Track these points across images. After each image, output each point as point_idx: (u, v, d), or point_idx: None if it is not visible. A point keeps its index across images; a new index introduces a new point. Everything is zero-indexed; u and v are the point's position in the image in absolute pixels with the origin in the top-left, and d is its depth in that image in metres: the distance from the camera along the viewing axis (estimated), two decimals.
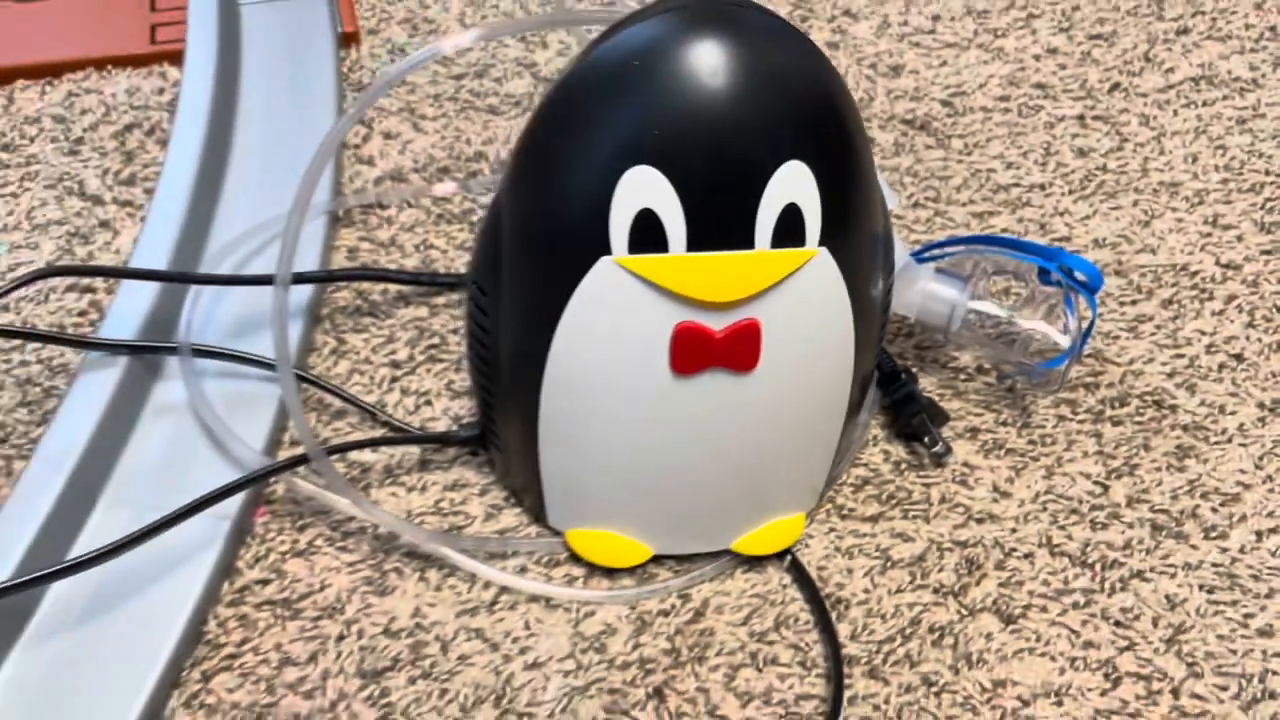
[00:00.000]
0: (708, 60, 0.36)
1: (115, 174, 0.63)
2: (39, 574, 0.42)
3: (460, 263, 0.60)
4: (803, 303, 0.40)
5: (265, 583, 0.46)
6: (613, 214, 0.38)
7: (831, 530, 0.50)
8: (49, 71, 0.68)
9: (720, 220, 0.38)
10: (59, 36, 0.70)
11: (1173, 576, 0.48)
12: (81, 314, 0.55)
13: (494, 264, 0.42)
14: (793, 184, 0.38)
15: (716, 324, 0.39)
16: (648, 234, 0.38)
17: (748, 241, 0.38)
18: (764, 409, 0.42)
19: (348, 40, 0.73)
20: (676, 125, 0.37)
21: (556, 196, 0.39)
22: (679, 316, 0.39)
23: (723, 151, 0.37)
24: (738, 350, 0.40)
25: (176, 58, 0.69)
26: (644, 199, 0.37)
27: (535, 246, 0.40)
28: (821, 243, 0.39)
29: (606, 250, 0.38)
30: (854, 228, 0.40)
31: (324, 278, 0.56)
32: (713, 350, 0.40)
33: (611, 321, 0.40)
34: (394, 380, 0.54)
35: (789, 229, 0.38)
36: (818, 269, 0.39)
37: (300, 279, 0.54)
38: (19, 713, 0.41)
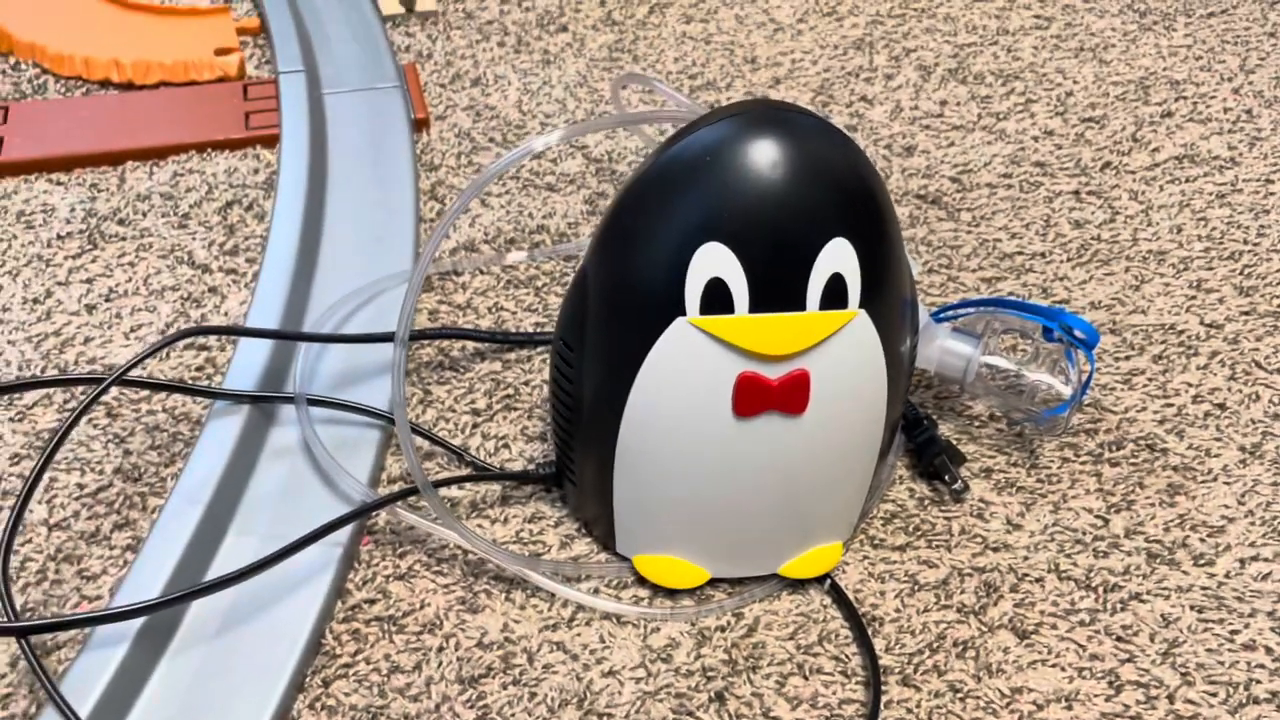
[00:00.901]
0: (767, 156, 0.44)
1: (220, 245, 0.71)
2: (184, 592, 0.49)
3: (528, 323, 0.67)
4: (845, 355, 0.47)
5: (372, 602, 0.53)
6: (688, 282, 0.45)
7: (865, 558, 0.56)
8: (155, 154, 0.76)
9: (777, 287, 0.45)
10: (163, 122, 0.78)
11: (1167, 598, 0.54)
12: (199, 369, 0.63)
13: (579, 323, 0.49)
14: (837, 256, 0.45)
15: (772, 374, 0.47)
16: (716, 298, 0.45)
17: (800, 304, 0.45)
18: (811, 447, 0.49)
19: (419, 125, 0.81)
20: (742, 209, 0.44)
21: (639, 267, 0.46)
22: (741, 367, 0.46)
23: (780, 231, 0.44)
24: (790, 396, 0.47)
25: (269, 141, 0.77)
26: (714, 269, 0.45)
27: (619, 309, 0.48)
28: (861, 305, 0.46)
29: (681, 312, 0.46)
30: (887, 292, 0.47)
31: (430, 335, 0.64)
32: (769, 396, 0.47)
33: (683, 372, 0.47)
34: (475, 426, 0.61)
35: (834, 294, 0.46)
36: (858, 327, 0.47)
37: (416, 336, 0.62)
38: (170, 713, 0.47)
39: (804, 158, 0.44)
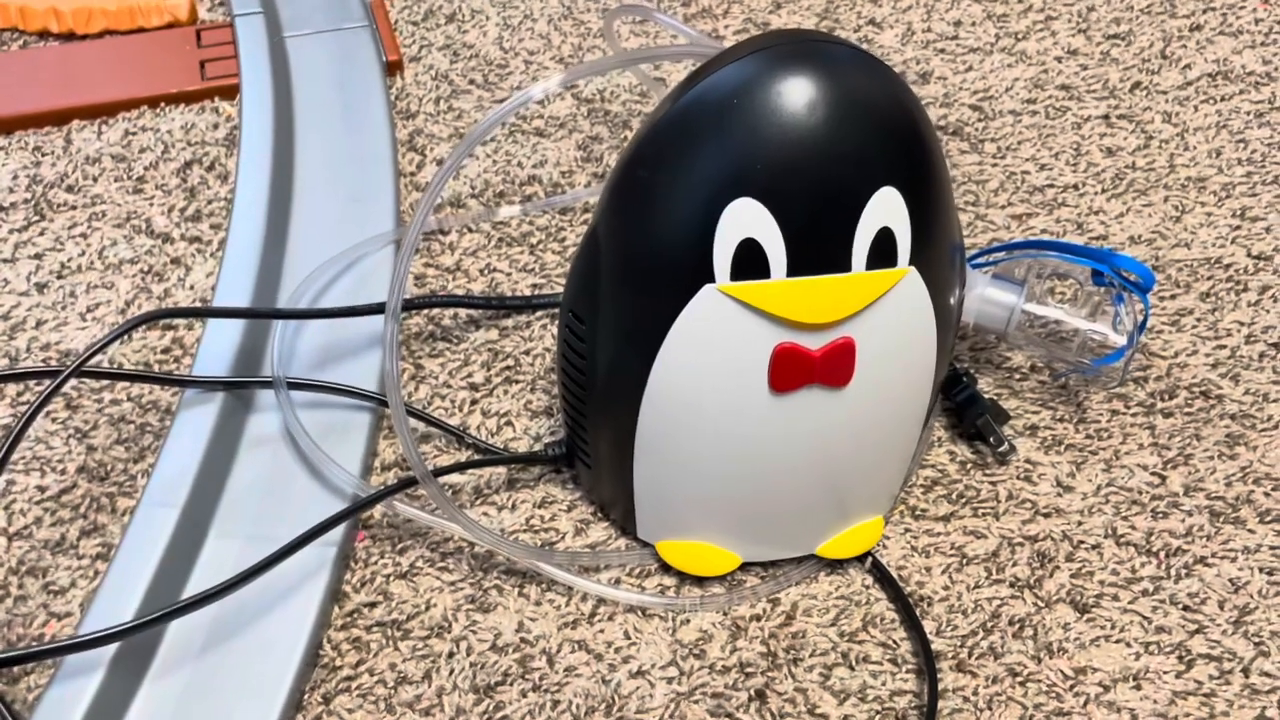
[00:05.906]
0: (802, 96, 0.38)
1: (181, 210, 0.64)
2: (161, 612, 0.43)
3: (524, 284, 0.62)
4: (894, 319, 0.42)
5: (373, 605, 0.48)
6: (716, 244, 0.39)
7: (906, 530, 0.52)
8: (104, 111, 0.69)
9: (819, 246, 0.40)
10: (110, 76, 0.71)
11: (1234, 560, 0.50)
12: (165, 351, 0.57)
13: (591, 292, 0.44)
14: (886, 209, 0.39)
15: (814, 344, 0.41)
16: (749, 262, 0.40)
17: (844, 265, 0.40)
18: (855, 421, 0.44)
19: (392, 69, 0.74)
20: (777, 159, 0.38)
21: (659, 229, 0.41)
22: (778, 338, 0.41)
23: (821, 182, 0.39)
24: (834, 368, 0.42)
25: (228, 92, 0.71)
26: (746, 229, 0.39)
27: (638, 276, 0.42)
28: (911, 262, 0.41)
29: (709, 278, 0.40)
30: (939, 244, 0.42)
31: (420, 304, 0.58)
32: (810, 369, 0.42)
33: (713, 345, 0.42)
34: (473, 403, 0.56)
35: (882, 251, 0.40)
36: (908, 287, 0.41)
37: (405, 306, 0.56)
38: None
39: (845, 96, 0.39)
